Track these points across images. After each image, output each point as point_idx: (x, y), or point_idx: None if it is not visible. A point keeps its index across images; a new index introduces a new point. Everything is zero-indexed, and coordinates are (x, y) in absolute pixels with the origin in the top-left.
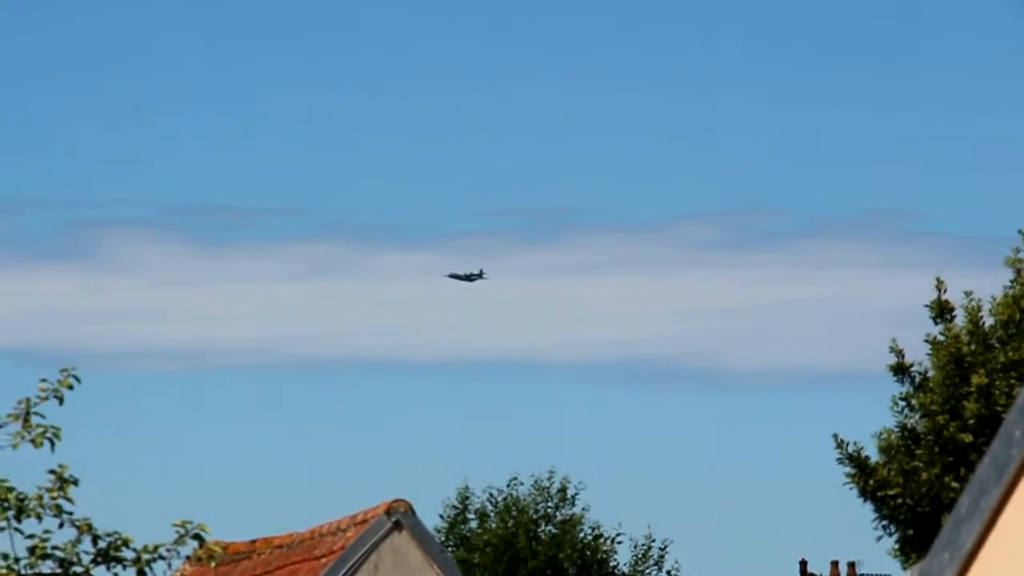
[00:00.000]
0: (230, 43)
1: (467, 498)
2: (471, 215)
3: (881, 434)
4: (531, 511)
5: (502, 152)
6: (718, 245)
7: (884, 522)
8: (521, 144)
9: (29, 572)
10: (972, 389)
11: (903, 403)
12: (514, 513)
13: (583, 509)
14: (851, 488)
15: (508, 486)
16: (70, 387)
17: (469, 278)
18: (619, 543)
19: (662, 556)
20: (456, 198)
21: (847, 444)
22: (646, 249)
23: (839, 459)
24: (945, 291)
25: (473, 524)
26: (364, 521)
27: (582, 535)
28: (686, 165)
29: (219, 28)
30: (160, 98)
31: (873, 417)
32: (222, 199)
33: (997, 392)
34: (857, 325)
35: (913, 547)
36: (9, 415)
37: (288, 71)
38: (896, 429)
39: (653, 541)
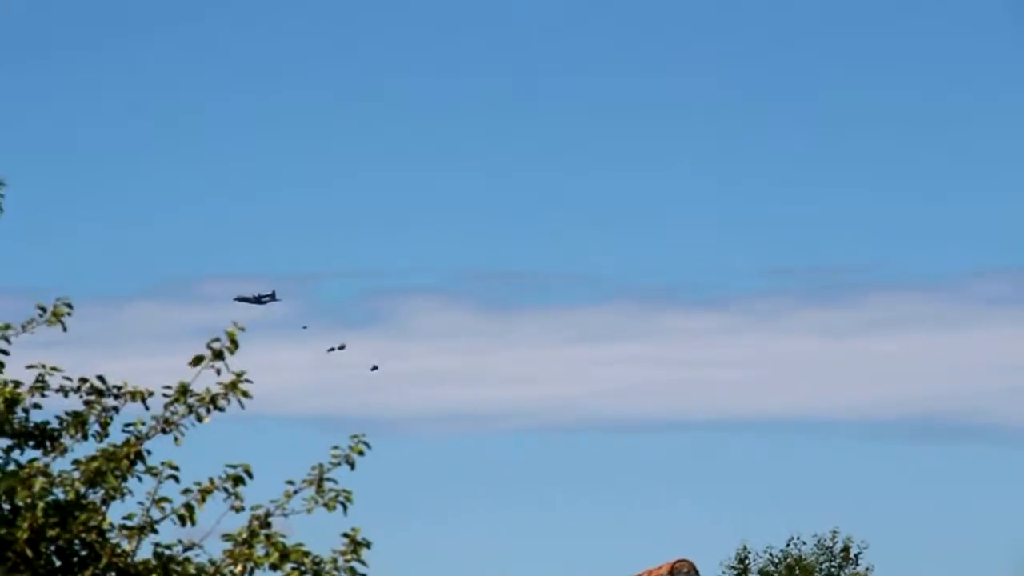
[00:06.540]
0: (506, 115)
1: (746, 558)
2: (754, 275)
3: None
4: (814, 570)
5: (785, 210)
6: (1006, 300)
7: None
8: (805, 203)
9: None
10: None
11: None
12: (796, 572)
13: (867, 569)
14: None
15: (788, 545)
16: (361, 452)
17: (260, 300)
18: None
19: None
20: (739, 258)
21: None
22: (932, 306)
23: None
24: None
25: None
26: None
27: None
28: (972, 220)
29: (502, 102)
30: (444, 167)
31: None
32: (510, 264)
33: None
34: None
35: None
36: (304, 481)
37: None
38: None
39: None
